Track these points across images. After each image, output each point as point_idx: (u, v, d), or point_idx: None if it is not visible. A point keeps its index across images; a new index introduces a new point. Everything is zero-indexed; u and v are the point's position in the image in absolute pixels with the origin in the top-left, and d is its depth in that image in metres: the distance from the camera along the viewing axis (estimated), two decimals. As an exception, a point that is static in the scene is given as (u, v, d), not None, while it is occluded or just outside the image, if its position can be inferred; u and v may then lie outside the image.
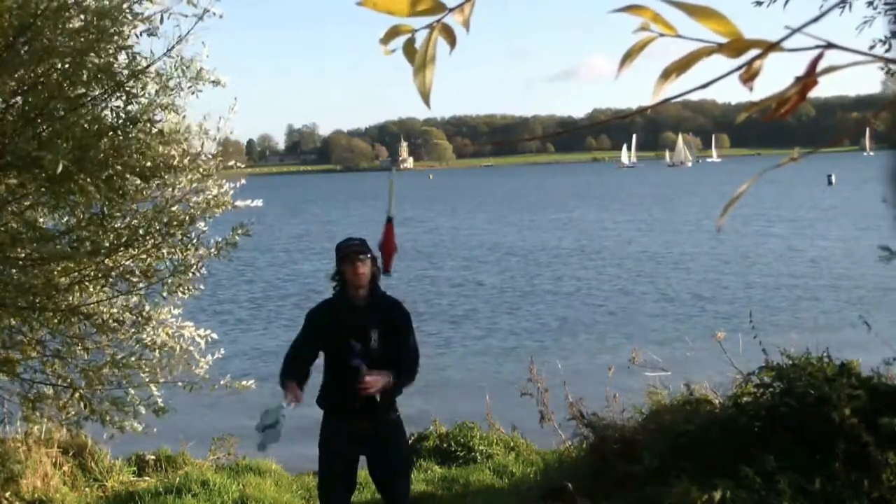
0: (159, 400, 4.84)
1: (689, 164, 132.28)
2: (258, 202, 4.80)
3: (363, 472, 4.45)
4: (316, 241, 34.42)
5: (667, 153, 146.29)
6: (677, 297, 18.26)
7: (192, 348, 4.80)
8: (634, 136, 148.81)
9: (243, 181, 4.86)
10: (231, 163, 4.80)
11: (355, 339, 4.03)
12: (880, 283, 17.85)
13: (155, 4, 4.14)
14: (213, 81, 4.45)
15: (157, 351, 4.76)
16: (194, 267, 4.66)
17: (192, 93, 4.37)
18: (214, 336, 4.89)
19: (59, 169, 3.77)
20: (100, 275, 4.60)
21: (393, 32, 0.87)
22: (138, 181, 4.28)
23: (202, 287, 4.87)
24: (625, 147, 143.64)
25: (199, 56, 4.35)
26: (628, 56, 0.85)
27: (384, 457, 4.15)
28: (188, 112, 4.44)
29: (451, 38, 0.87)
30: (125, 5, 3.96)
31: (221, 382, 4.95)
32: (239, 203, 4.73)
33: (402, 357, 4.10)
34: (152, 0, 4.08)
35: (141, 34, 4.14)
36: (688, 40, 0.81)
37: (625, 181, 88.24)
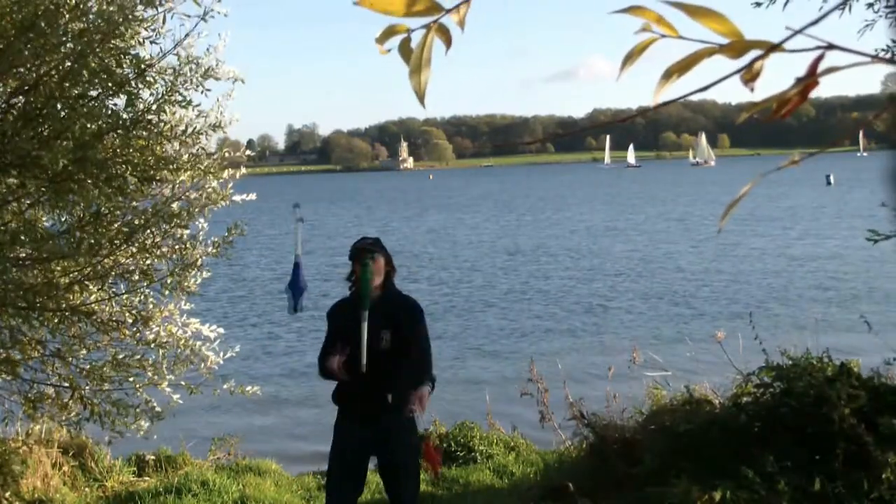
0: (175, 398, 4.80)
1: (713, 163, 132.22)
2: (252, 196, 4.80)
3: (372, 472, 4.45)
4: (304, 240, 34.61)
5: (690, 152, 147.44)
6: (676, 297, 18.26)
7: (201, 346, 4.77)
8: (608, 137, 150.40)
9: (243, 170, 4.85)
10: (238, 153, 4.77)
11: (368, 339, 4.01)
12: (875, 283, 17.85)
13: (160, 7, 4.12)
14: (230, 78, 4.43)
15: (160, 350, 4.74)
16: (196, 264, 4.65)
17: (201, 91, 4.35)
18: (221, 330, 4.88)
19: (60, 166, 3.76)
20: (100, 274, 4.60)
21: (389, 32, 0.87)
22: (138, 180, 4.27)
23: (203, 276, 4.84)
24: (631, 147, 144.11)
25: (212, 51, 4.33)
26: (629, 58, 0.85)
27: (393, 457, 4.13)
28: (199, 107, 4.42)
29: (447, 39, 0.87)
30: (126, 11, 3.94)
31: (224, 387, 4.92)
32: (236, 198, 4.73)
33: (414, 355, 4.05)
34: (155, 5, 4.06)
35: (144, 41, 4.13)
36: (689, 41, 0.80)
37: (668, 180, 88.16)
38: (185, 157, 4.42)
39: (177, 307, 4.78)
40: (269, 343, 15.28)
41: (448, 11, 0.85)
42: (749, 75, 0.80)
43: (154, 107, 4.17)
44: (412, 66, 0.87)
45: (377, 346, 4.01)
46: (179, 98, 4.23)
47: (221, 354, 4.82)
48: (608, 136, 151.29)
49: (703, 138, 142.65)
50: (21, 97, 4.13)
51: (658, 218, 39.54)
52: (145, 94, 4.19)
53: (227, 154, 4.65)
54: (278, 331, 16.17)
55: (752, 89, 0.81)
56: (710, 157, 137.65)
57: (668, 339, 13.34)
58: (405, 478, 4.17)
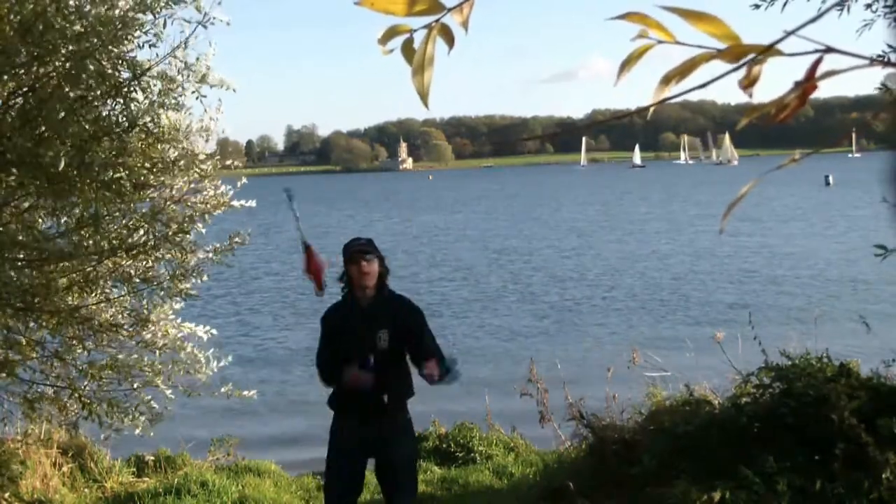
0: (168, 394, 4.79)
1: (736, 163, 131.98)
2: (252, 202, 4.80)
3: (369, 473, 4.44)
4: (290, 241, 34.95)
5: (714, 151, 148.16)
6: (676, 297, 18.25)
7: (196, 351, 4.76)
8: (585, 139, 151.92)
9: (245, 180, 4.84)
10: (228, 162, 4.78)
11: (363, 341, 4.01)
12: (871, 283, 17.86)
13: (159, 14, 4.11)
14: (221, 84, 4.42)
15: (158, 352, 4.74)
16: (194, 271, 4.64)
17: (197, 97, 4.35)
18: (215, 332, 4.87)
19: (62, 165, 3.75)
20: (98, 277, 4.59)
21: (391, 33, 0.87)
22: (136, 182, 4.26)
23: (197, 291, 4.84)
24: (637, 148, 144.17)
25: (204, 57, 4.32)
26: (627, 63, 0.85)
27: (391, 460, 4.13)
28: (192, 111, 4.42)
29: (449, 39, 0.87)
30: (126, 16, 3.94)
31: (223, 390, 4.92)
32: (235, 203, 4.72)
33: (427, 354, 4.04)
34: (154, 12, 4.06)
35: (143, 45, 4.12)
36: (687, 46, 0.81)
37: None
38: (182, 162, 4.41)
39: (170, 308, 4.77)
40: (248, 338, 15.43)
41: (450, 10, 0.84)
42: (748, 81, 0.80)
43: (149, 110, 4.17)
44: (415, 66, 0.87)
45: (375, 346, 4.02)
46: (173, 102, 4.23)
47: (215, 364, 4.80)
48: (584, 138, 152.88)
49: (727, 139, 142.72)
50: (20, 99, 4.13)
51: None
52: (140, 97, 4.18)
53: (218, 159, 4.63)
54: (259, 328, 16.29)
55: (750, 95, 0.81)
56: (734, 156, 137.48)
57: (667, 340, 13.33)
58: (403, 479, 4.16)
